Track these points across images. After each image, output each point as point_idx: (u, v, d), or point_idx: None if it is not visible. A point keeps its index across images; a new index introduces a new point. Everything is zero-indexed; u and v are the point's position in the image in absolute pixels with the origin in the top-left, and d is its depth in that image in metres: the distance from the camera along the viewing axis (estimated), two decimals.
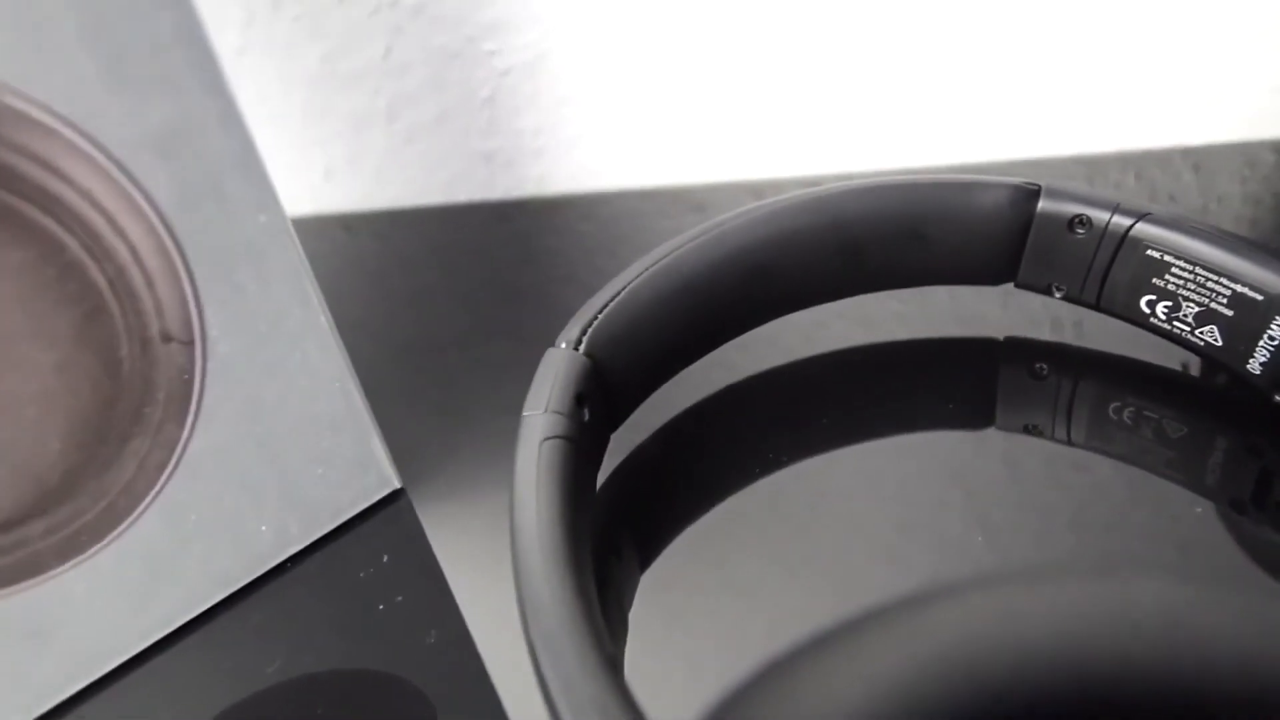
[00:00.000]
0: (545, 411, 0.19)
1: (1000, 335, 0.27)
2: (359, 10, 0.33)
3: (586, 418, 0.20)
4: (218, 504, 0.20)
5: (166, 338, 0.18)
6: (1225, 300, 0.21)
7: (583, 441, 0.19)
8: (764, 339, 0.26)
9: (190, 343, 0.18)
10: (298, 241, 0.19)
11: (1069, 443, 0.23)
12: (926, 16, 0.32)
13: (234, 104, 0.17)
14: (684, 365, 0.24)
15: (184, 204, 0.17)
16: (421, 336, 0.32)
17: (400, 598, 0.21)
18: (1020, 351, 0.26)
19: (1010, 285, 0.25)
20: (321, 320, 0.20)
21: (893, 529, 0.22)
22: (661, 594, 0.21)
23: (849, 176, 0.36)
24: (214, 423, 0.19)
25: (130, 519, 0.19)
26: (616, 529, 0.23)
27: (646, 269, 0.22)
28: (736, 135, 0.35)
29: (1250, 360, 0.21)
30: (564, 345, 0.20)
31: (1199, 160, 0.34)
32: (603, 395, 0.21)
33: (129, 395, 0.18)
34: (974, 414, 0.25)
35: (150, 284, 0.17)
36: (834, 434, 0.24)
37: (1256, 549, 0.20)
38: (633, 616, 0.21)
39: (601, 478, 0.23)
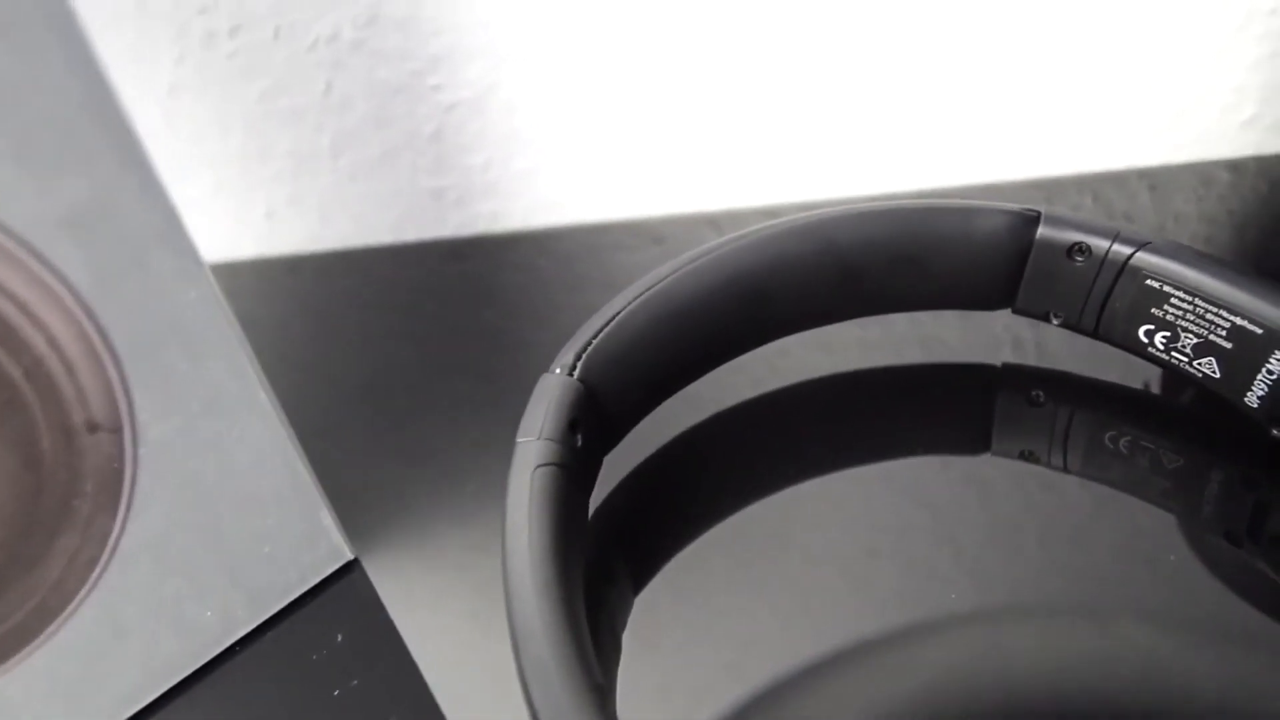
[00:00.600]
0: (539, 438, 0.19)
1: (998, 361, 0.27)
2: (297, 46, 0.31)
3: (579, 443, 0.20)
4: (157, 593, 0.19)
5: (92, 426, 0.17)
6: (1224, 332, 0.21)
7: (575, 467, 0.20)
8: (760, 362, 0.26)
9: (118, 430, 0.17)
10: (230, 313, 0.18)
11: (1065, 469, 0.23)
12: (881, 43, 0.32)
13: (153, 175, 0.16)
14: (678, 388, 0.24)
15: (104, 285, 0.16)
16: (375, 377, 0.30)
17: (356, 681, 0.20)
18: (1018, 378, 0.26)
19: (1008, 311, 0.25)
20: (259, 394, 0.19)
21: (887, 554, 0.22)
22: (655, 616, 0.21)
23: (809, 205, 0.35)
24: (149, 510, 0.18)
25: (62, 617, 0.18)
26: (611, 551, 0.23)
27: (641, 294, 0.22)
28: (693, 166, 0.35)
29: (1248, 393, 0.21)
30: (558, 371, 0.21)
31: (1155, 180, 0.34)
32: (596, 420, 0.21)
33: (53, 489, 0.17)
34: (970, 439, 0.25)
35: (71, 371, 0.16)
36: (829, 458, 0.25)
37: (1248, 582, 0.20)
38: (626, 638, 0.21)
39: (597, 500, 0.23)
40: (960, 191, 0.35)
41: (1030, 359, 0.26)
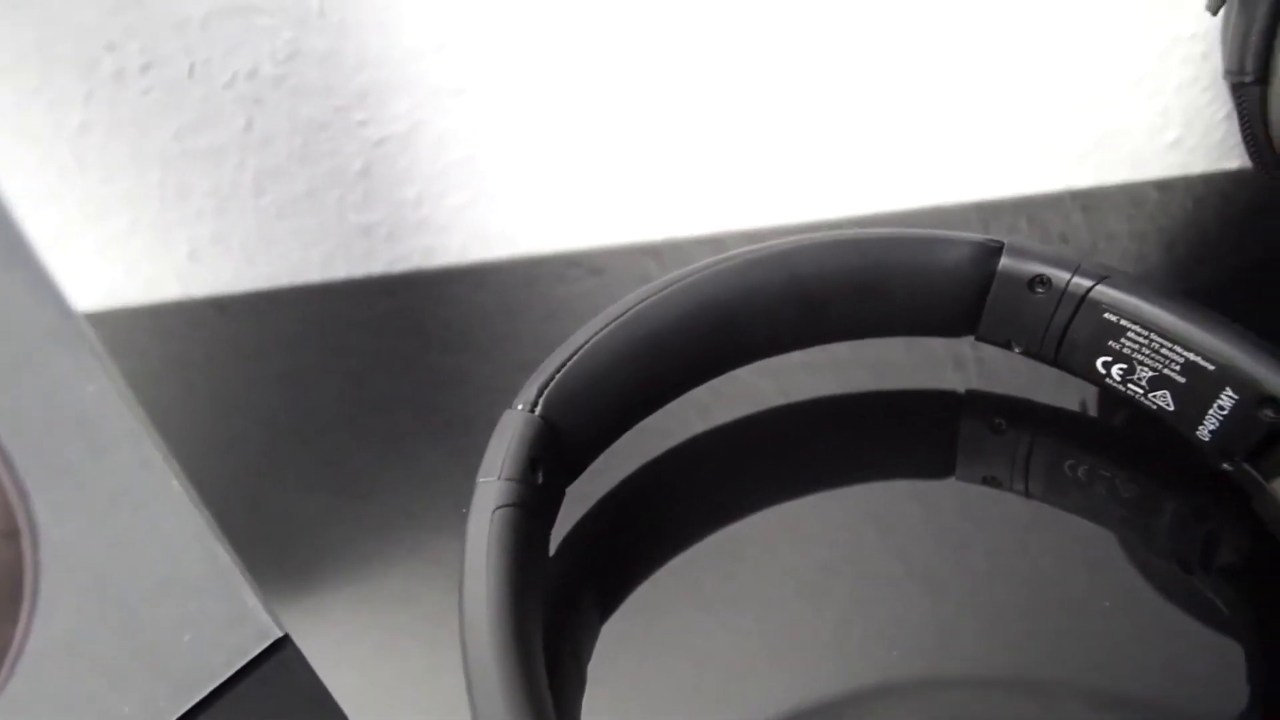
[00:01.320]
0: (499, 478, 0.19)
1: (962, 388, 0.27)
2: (213, 83, 0.30)
3: (541, 480, 0.20)
4: (70, 693, 0.18)
5: None
6: (1178, 367, 0.22)
7: (536, 505, 0.20)
8: (725, 389, 0.26)
9: (16, 536, 0.16)
10: (134, 402, 0.17)
11: (1027, 495, 0.24)
12: (820, 72, 0.32)
13: (43, 272, 0.15)
14: (641, 419, 0.24)
15: None
16: (311, 418, 0.30)
17: None
18: (981, 404, 0.27)
19: (971, 338, 0.25)
20: (170, 482, 0.18)
21: (852, 581, 0.22)
22: (622, 645, 0.21)
23: (750, 234, 0.35)
24: (56, 613, 0.17)
25: None
26: (576, 581, 0.23)
27: (604, 326, 0.22)
28: (632, 196, 0.34)
29: (1200, 427, 0.22)
30: (520, 407, 0.21)
31: (1087, 202, 0.35)
32: (558, 455, 0.21)
33: None
34: (934, 465, 0.25)
35: None
36: (793, 485, 0.25)
37: (1197, 607, 0.21)
38: (591, 668, 0.21)
39: (563, 530, 0.23)
40: (902, 216, 0.35)
41: (994, 386, 0.27)
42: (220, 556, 0.20)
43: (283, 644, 0.22)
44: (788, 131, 0.33)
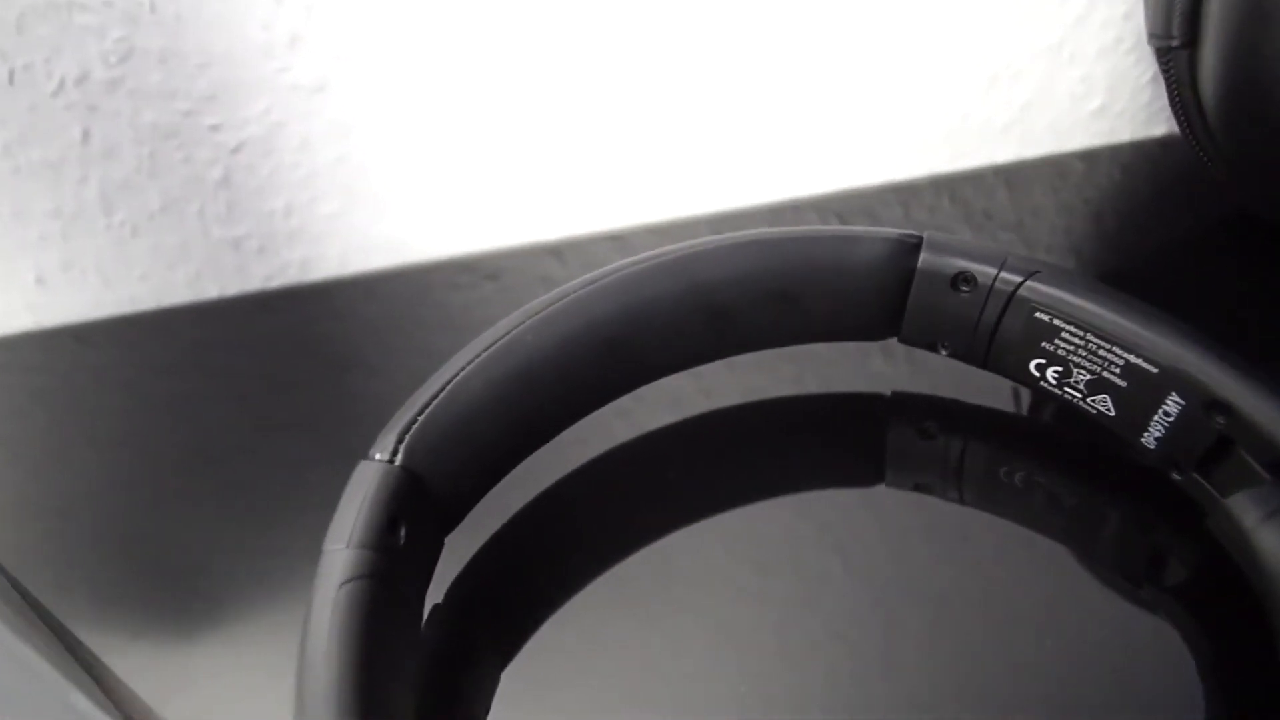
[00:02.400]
0: (347, 546, 0.17)
1: (888, 390, 0.25)
2: (39, 90, 0.27)
3: (403, 541, 0.18)
4: None
5: None
6: (1118, 370, 0.20)
7: (396, 572, 0.17)
8: (629, 402, 0.24)
9: None
10: None
11: (961, 503, 0.22)
12: (722, 52, 0.29)
13: None
14: (525, 456, 0.22)
15: None
16: (195, 447, 0.27)
17: None
18: (909, 408, 0.25)
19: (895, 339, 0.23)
20: None
21: (781, 599, 0.21)
22: (531, 687, 0.20)
23: (657, 227, 0.33)
24: None
25: None
26: (469, 629, 0.21)
27: (472, 359, 0.20)
28: (525, 192, 0.31)
29: (1145, 434, 0.20)
30: (378, 457, 0.18)
31: (1010, 177, 0.33)
32: (428, 508, 0.19)
33: None
34: (863, 472, 0.23)
35: None
36: (711, 501, 0.23)
37: (1142, 623, 0.19)
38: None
39: (454, 567, 0.21)
40: (817, 201, 0.33)
41: (922, 387, 0.25)
42: (37, 664, 0.17)
43: None
44: (692, 117, 0.31)
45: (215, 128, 0.28)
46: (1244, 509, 0.18)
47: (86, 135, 0.28)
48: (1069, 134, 0.33)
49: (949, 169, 0.33)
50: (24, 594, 0.20)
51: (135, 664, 0.21)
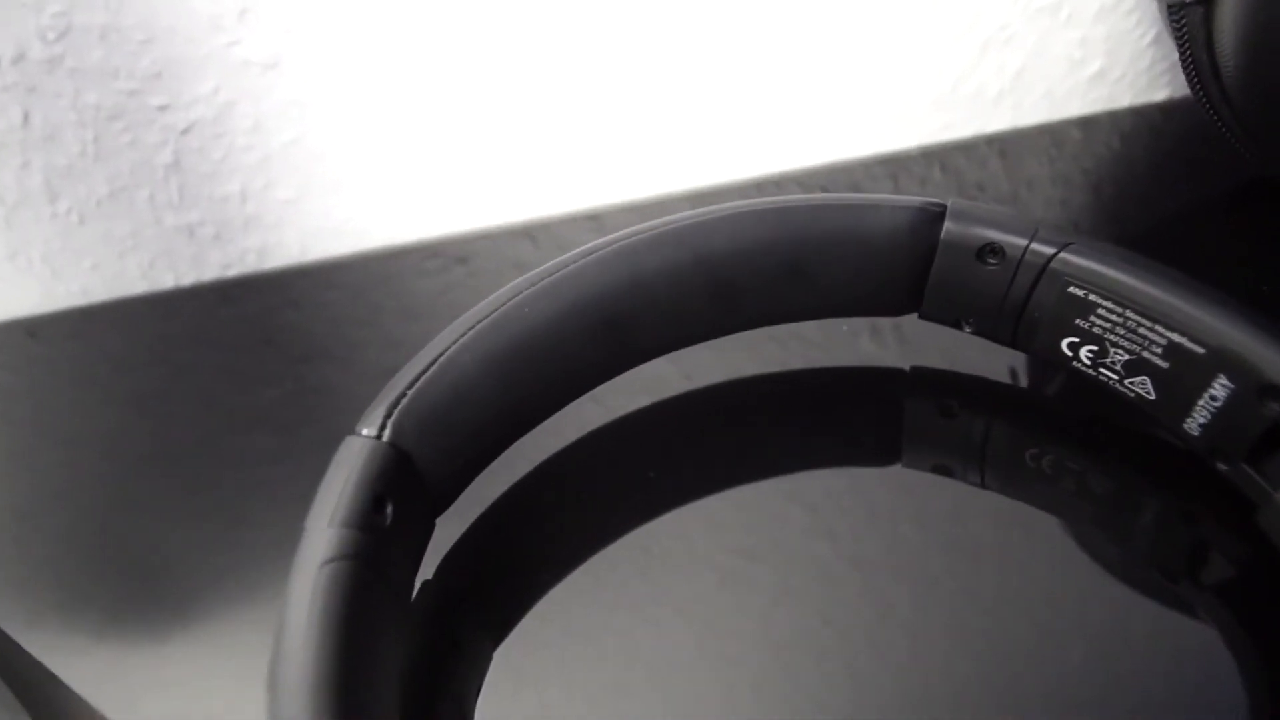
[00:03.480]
0: (330, 525, 0.16)
1: (906, 365, 0.24)
2: None
3: (390, 521, 0.17)
4: None
5: None
6: (1160, 350, 0.19)
7: (382, 553, 0.17)
8: (633, 373, 0.23)
9: None
10: None
11: (982, 486, 0.21)
12: (702, 20, 0.28)
13: None
14: (519, 435, 0.21)
15: None
16: (158, 443, 0.26)
17: None
18: (929, 384, 0.24)
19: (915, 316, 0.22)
20: None
21: (788, 580, 0.20)
22: (524, 667, 0.19)
23: (636, 206, 0.32)
24: None
25: None
26: (462, 608, 0.20)
27: (465, 332, 0.19)
28: (494, 172, 0.30)
29: (1188, 420, 0.19)
30: (365, 433, 0.18)
31: (1004, 146, 0.32)
32: (417, 487, 0.18)
33: None
34: (878, 452, 0.23)
35: None
36: (721, 476, 0.22)
37: (1180, 622, 0.18)
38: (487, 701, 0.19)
39: (444, 546, 0.21)
40: (801, 174, 0.32)
41: (943, 362, 0.24)
42: None
43: None
44: (668, 89, 0.30)
45: (162, 108, 0.27)
46: None
47: (26, 118, 0.27)
48: (1065, 100, 0.32)
49: (939, 139, 0.32)
50: None
51: (100, 667, 0.21)
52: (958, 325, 0.22)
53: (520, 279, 0.20)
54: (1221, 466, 0.19)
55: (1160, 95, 0.32)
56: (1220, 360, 0.18)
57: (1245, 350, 0.17)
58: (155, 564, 0.23)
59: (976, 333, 0.22)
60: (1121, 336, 0.19)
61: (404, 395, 0.18)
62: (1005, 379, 0.23)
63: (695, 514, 0.22)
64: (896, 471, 0.22)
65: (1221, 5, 0.22)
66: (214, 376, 0.28)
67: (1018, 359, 0.23)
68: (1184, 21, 0.24)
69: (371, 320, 0.30)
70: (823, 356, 0.25)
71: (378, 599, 0.17)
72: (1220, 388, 0.18)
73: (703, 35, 0.29)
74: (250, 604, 0.22)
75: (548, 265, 0.20)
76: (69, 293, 0.31)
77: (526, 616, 0.20)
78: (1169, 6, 0.24)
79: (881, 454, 0.23)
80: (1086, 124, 0.32)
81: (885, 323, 0.25)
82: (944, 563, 0.20)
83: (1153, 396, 0.19)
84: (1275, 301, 0.25)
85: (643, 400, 0.24)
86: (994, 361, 0.23)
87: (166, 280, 0.31)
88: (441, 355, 0.19)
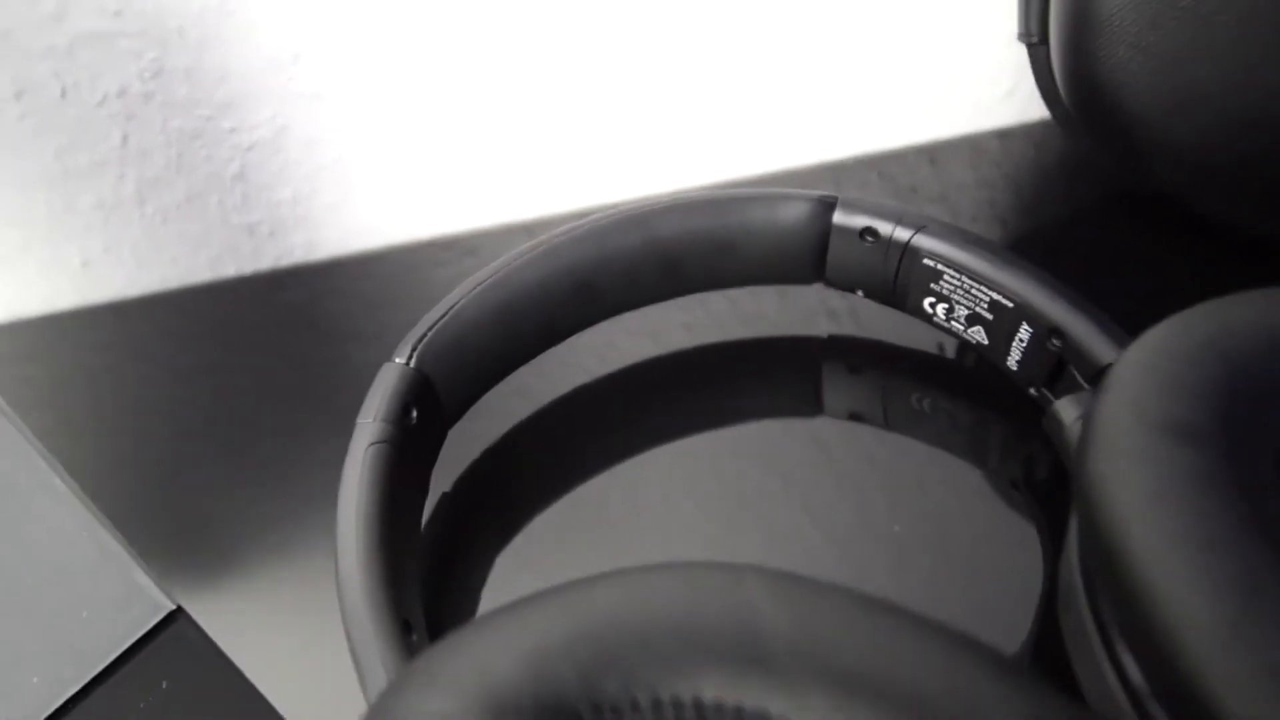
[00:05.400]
0: (373, 420, 0.23)
1: (825, 334, 0.32)
2: (86, 104, 0.33)
3: (414, 422, 0.24)
4: None
5: None
6: (986, 305, 0.26)
7: (409, 444, 0.24)
8: (597, 345, 0.31)
9: None
10: (14, 416, 0.21)
11: (887, 427, 0.29)
12: (669, 45, 0.35)
13: None
14: (511, 371, 0.28)
15: None
16: (211, 410, 0.33)
17: (189, 713, 0.24)
18: (841, 348, 0.31)
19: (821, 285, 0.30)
20: (54, 481, 0.22)
21: (738, 507, 0.27)
22: (518, 571, 0.26)
23: (614, 206, 0.39)
24: None
25: None
26: (468, 516, 0.28)
27: (473, 288, 0.26)
28: (500, 178, 0.38)
29: (1008, 358, 0.26)
30: (398, 360, 0.25)
31: (933, 154, 0.39)
32: (432, 401, 0.25)
33: None
34: (806, 405, 0.30)
35: None
36: (677, 427, 0.29)
37: (1017, 517, 0.26)
38: (487, 592, 0.26)
39: (456, 469, 0.28)
40: (760, 179, 0.39)
41: (851, 330, 0.31)
42: (107, 540, 0.23)
43: (177, 615, 0.26)
44: (643, 106, 0.37)
45: (232, 130, 0.35)
46: (1064, 411, 0.23)
47: (125, 139, 0.34)
48: (986, 114, 0.38)
49: (876, 149, 0.39)
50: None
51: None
52: (854, 291, 0.29)
53: (513, 250, 0.27)
54: (1031, 392, 0.25)
55: None
56: (1023, 311, 0.25)
57: (1038, 303, 0.24)
58: (207, 512, 0.30)
59: (868, 296, 0.28)
60: (962, 297, 0.26)
61: (425, 334, 0.25)
62: (895, 340, 0.30)
63: (660, 455, 0.29)
64: (821, 421, 0.29)
65: (1052, 46, 0.29)
66: (264, 354, 0.36)
67: (901, 323, 0.29)
68: (1034, 58, 0.30)
69: (397, 305, 0.37)
70: (764, 328, 0.32)
71: (404, 474, 0.24)
72: (1025, 332, 0.25)
73: (679, 61, 0.36)
74: (288, 554, 0.28)
75: (535, 241, 0.28)
76: (149, 280, 0.38)
77: (523, 529, 0.27)
78: (1026, 47, 0.31)
79: (808, 406, 0.30)
80: (1003, 135, 0.39)
81: (807, 302, 0.32)
82: (857, 480, 0.27)
83: (986, 342, 0.26)
84: (1139, 281, 0.32)
85: (614, 365, 0.31)
86: (886, 326, 0.31)
87: (229, 270, 0.38)
88: (454, 306, 0.26)
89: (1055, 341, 0.24)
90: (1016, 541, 0.25)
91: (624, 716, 0.13)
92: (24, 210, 0.36)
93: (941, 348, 0.30)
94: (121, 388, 0.36)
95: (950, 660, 0.13)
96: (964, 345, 0.29)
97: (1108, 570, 0.14)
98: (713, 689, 0.13)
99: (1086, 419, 0.16)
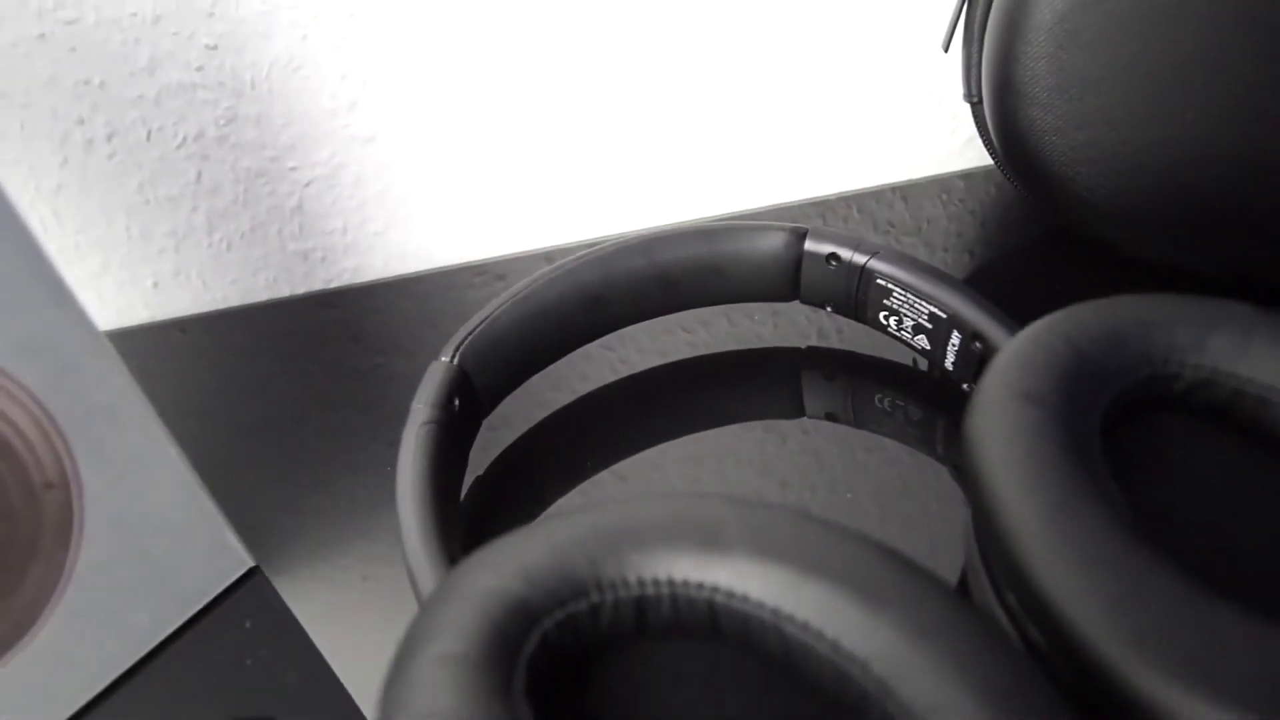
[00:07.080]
0: (424, 405, 0.29)
1: (804, 345, 0.37)
2: (167, 145, 0.40)
3: (457, 409, 0.30)
4: (103, 605, 0.28)
5: (48, 486, 0.25)
6: (926, 317, 0.31)
7: (452, 426, 0.30)
8: (611, 355, 0.37)
9: (66, 487, 0.26)
10: (141, 393, 0.27)
11: (857, 425, 0.34)
12: (674, 87, 0.42)
13: (81, 310, 0.25)
14: (537, 370, 0.34)
15: (51, 387, 0.25)
16: (266, 415, 0.39)
17: (264, 652, 0.29)
18: (817, 358, 0.37)
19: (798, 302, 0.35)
20: (169, 449, 0.28)
21: (729, 480, 0.33)
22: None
23: (624, 237, 0.45)
24: (93, 544, 0.27)
25: (34, 628, 0.27)
26: (499, 495, 0.34)
27: (508, 300, 0.32)
28: (525, 211, 0.44)
29: (945, 361, 0.32)
30: (444, 358, 0.31)
31: (906, 193, 0.45)
32: (471, 393, 0.31)
33: (23, 533, 0.25)
34: (790, 407, 0.36)
35: (31, 449, 0.25)
36: (675, 427, 0.35)
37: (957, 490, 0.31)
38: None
39: (490, 454, 0.34)
40: (753, 214, 0.45)
41: (826, 343, 0.37)
42: (206, 505, 0.29)
43: (254, 573, 0.32)
44: (649, 151, 0.43)
45: (293, 169, 0.41)
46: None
47: (199, 177, 0.41)
48: (949, 159, 0.45)
49: (856, 188, 0.45)
50: None
51: None
52: (824, 307, 0.34)
53: (538, 272, 0.33)
54: (965, 387, 0.31)
55: None
56: (953, 321, 0.30)
57: (964, 313, 0.30)
58: (262, 507, 0.35)
59: (835, 312, 0.34)
60: (908, 310, 0.32)
61: (466, 338, 0.31)
62: (862, 351, 0.36)
63: (663, 449, 0.34)
64: (802, 421, 0.35)
65: (985, 105, 0.35)
66: (314, 366, 0.42)
67: (864, 335, 0.35)
68: (975, 116, 0.37)
69: (433, 324, 0.43)
70: (753, 340, 0.38)
71: (450, 451, 0.30)
72: (956, 338, 0.30)
73: (674, 113, 0.42)
74: (326, 549, 0.34)
75: (555, 264, 0.34)
76: (212, 299, 0.45)
77: (546, 505, 0.33)
78: (970, 105, 0.37)
79: (792, 408, 0.36)
80: (966, 176, 0.45)
81: (790, 320, 0.38)
82: (828, 466, 0.33)
83: (929, 348, 0.32)
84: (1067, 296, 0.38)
85: (623, 371, 0.37)
86: (855, 340, 0.36)
87: (284, 291, 0.45)
88: (489, 316, 0.32)
89: (977, 344, 0.30)
90: (956, 508, 0.31)
91: (619, 591, 0.19)
92: (107, 236, 0.42)
93: (897, 356, 0.36)
94: (184, 395, 0.42)
95: (863, 551, 0.18)
96: (913, 351, 0.35)
97: (972, 488, 0.20)
98: (681, 570, 0.19)
99: (973, 390, 0.22)
